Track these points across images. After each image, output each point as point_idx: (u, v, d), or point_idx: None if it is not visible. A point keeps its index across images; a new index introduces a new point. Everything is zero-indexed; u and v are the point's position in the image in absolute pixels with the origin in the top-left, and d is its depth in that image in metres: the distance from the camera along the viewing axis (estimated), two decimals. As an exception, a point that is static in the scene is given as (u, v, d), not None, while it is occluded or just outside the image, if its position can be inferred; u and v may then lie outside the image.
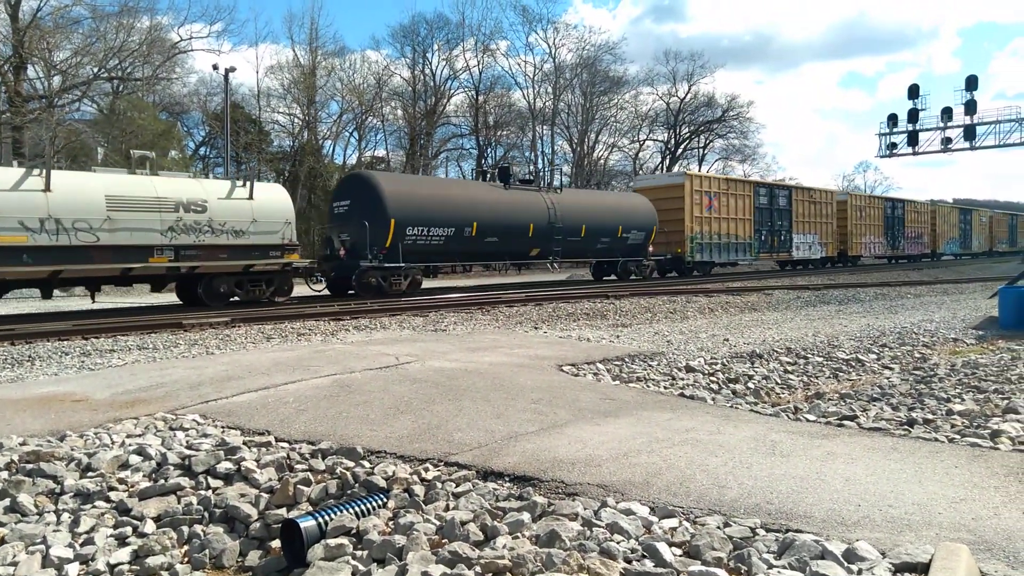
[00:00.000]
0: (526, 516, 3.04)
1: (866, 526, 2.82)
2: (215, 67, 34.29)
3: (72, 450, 4.09)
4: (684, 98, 58.03)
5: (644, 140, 58.78)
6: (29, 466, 3.82)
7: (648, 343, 8.74)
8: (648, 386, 6.37)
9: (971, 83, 37.89)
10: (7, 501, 3.49)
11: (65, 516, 3.41)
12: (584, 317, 12.46)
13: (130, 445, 4.18)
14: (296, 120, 43.71)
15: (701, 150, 60.77)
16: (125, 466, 3.90)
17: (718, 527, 2.86)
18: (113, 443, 4.25)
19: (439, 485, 3.48)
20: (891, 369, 7.41)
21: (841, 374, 7.23)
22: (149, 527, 3.32)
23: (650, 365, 7.28)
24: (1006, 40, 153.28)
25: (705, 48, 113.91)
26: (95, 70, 33.48)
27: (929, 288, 19.50)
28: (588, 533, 2.88)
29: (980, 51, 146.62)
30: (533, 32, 63.64)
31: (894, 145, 41.73)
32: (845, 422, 4.84)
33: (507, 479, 3.53)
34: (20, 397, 5.59)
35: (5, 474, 3.76)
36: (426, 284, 19.99)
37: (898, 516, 2.91)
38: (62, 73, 32.10)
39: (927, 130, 40.20)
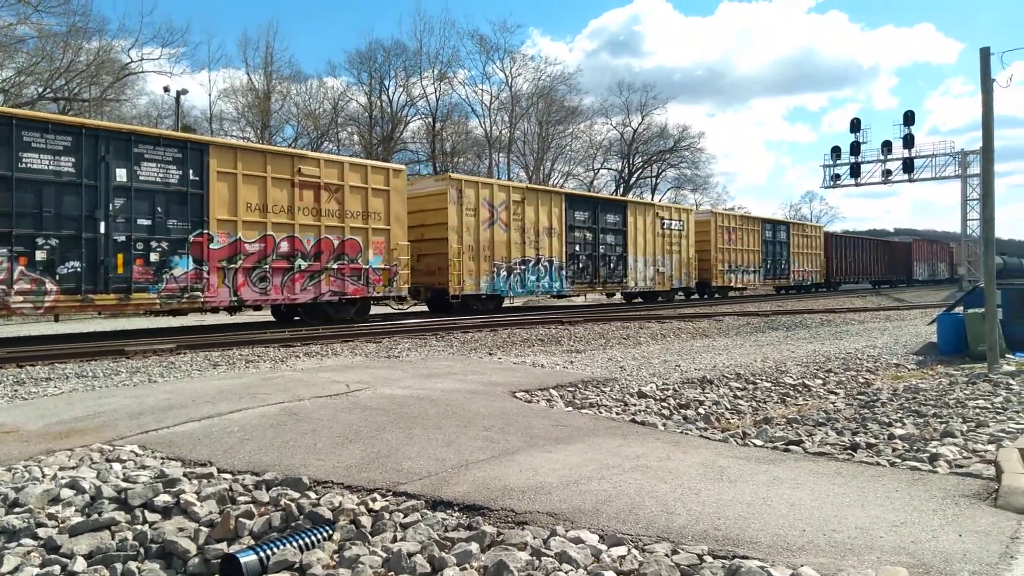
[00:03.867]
0: (475, 547, 2.99)
1: (810, 551, 2.85)
2: (166, 89, 33.80)
3: (-1, 484, 3.88)
4: (637, 128, 59.19)
5: (599, 169, 59.73)
6: (-49, 502, 3.61)
7: (601, 369, 8.78)
8: (601, 412, 6.39)
9: (908, 118, 39.64)
10: (-75, 540, 3.29)
11: (-12, 555, 3.22)
12: (539, 343, 12.47)
13: (62, 478, 3.99)
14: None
15: (654, 179, 61.97)
16: (56, 500, 3.72)
17: (666, 555, 2.86)
18: (44, 476, 4.06)
19: (387, 516, 3.41)
20: (836, 394, 7.59)
21: (788, 399, 7.37)
22: (80, 565, 3.16)
23: (603, 391, 7.30)
24: (939, 80, 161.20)
25: (658, 81, 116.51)
26: (40, 90, 32.58)
27: (872, 315, 20.11)
28: (537, 563, 2.85)
29: (916, 88, 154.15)
30: (490, 62, 64.35)
31: (837, 176, 43.29)
32: (791, 447, 4.92)
33: (456, 508, 3.47)
34: (-55, 428, 5.31)
35: (-76, 511, 3.55)
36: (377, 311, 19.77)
37: (841, 540, 2.95)
38: (4, 92, 31.13)
39: (868, 162, 41.88)
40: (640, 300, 26.99)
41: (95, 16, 56.72)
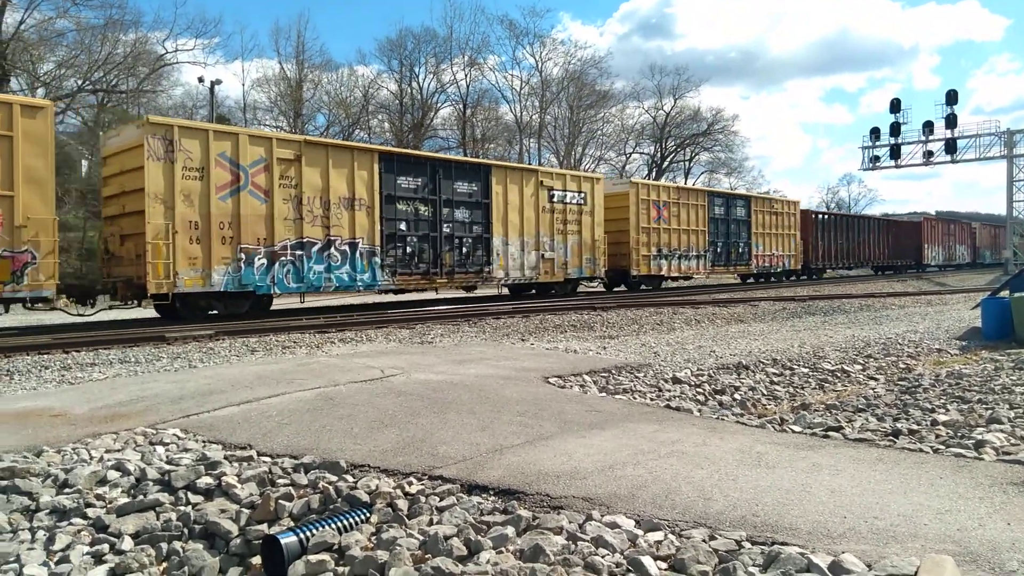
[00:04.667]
0: (510, 530, 3.00)
1: (852, 538, 2.80)
2: (201, 79, 34.28)
3: (49, 466, 4.01)
4: (670, 112, 58.51)
5: (631, 153, 59.17)
6: (4, 483, 3.73)
7: (635, 355, 8.73)
8: (634, 398, 6.36)
9: (951, 97, 38.47)
10: (-20, 519, 3.41)
11: (40, 534, 3.33)
12: (571, 329, 12.44)
13: (109, 460, 4.10)
14: (283, 133, 43.64)
15: (687, 163, 61.25)
16: (103, 482, 3.83)
17: (703, 540, 2.84)
18: (91, 458, 4.18)
19: (423, 499, 3.44)
20: (876, 380, 7.44)
21: (827, 385, 7.26)
22: (127, 544, 3.26)
23: (637, 377, 7.26)
24: (983, 58, 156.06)
25: (690, 64, 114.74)
26: (79, 82, 33.31)
27: (913, 299, 19.67)
28: (573, 547, 2.85)
29: (958, 68, 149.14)
30: (520, 47, 64.01)
31: (877, 158, 42.26)
32: (831, 433, 4.84)
33: (492, 493, 3.49)
34: (-3, 412, 5.49)
35: (-21, 491, 3.68)
36: (412, 296, 19.88)
37: (884, 528, 2.90)
38: (45, 85, 31.90)
39: (909, 143, 40.79)
40: (507, 293, 21.76)
41: (131, 8, 57.73)
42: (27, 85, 31.65)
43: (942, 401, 6.01)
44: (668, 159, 60.05)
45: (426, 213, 17.17)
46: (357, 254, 15.73)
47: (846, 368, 7.98)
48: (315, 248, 15.05)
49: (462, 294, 21.08)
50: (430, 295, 20.75)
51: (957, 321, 12.95)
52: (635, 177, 32.40)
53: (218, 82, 32.85)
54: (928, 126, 39.78)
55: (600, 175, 25.41)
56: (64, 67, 32.63)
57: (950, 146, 39.40)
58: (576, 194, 21.08)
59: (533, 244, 19.74)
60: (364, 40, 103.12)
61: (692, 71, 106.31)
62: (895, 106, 40.19)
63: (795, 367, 8.02)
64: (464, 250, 18.06)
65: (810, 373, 7.75)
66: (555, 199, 20.33)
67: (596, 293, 23.71)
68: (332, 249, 15.33)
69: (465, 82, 49.98)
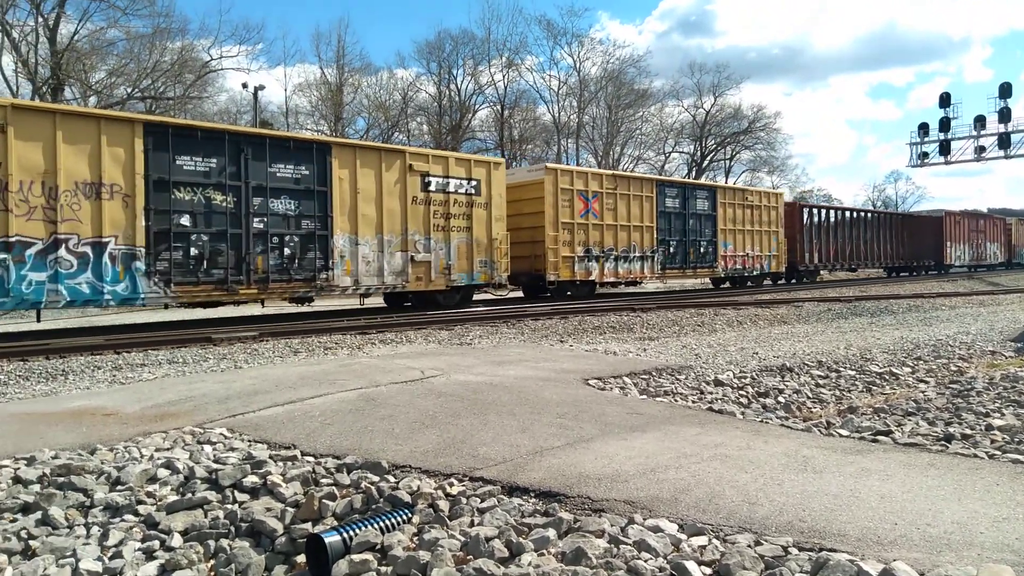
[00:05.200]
0: (552, 533, 3.00)
1: (903, 546, 2.73)
2: (244, 85, 35.04)
3: (102, 463, 4.13)
4: (710, 110, 57.77)
5: (670, 152, 58.58)
6: (60, 479, 3.86)
7: (675, 356, 8.64)
8: (676, 400, 6.29)
9: (1005, 91, 37.16)
10: (39, 514, 3.53)
11: (94, 529, 3.44)
12: (610, 330, 12.37)
13: (159, 459, 4.21)
14: (324, 136, 44.38)
15: (728, 161, 60.40)
16: (153, 480, 3.93)
17: (749, 545, 2.79)
18: (142, 457, 4.30)
19: (464, 500, 3.46)
20: (926, 383, 7.23)
21: (875, 388, 7.08)
22: (176, 541, 3.34)
23: (677, 379, 7.19)
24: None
25: (731, 61, 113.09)
26: (129, 90, 34.32)
27: (964, 300, 19.08)
28: (615, 550, 2.83)
29: (1012, 60, 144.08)
30: (558, 47, 63.90)
31: (925, 155, 41.00)
32: (879, 437, 4.72)
33: (532, 495, 3.48)
34: (53, 411, 5.68)
35: (37, 487, 3.81)
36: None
37: (937, 535, 2.81)
38: (97, 93, 32.93)
39: (959, 139, 39.47)
40: (352, 304, 17.89)
41: (178, 16, 59.14)
42: (80, 94, 32.74)
43: (997, 405, 5.81)
44: (708, 158, 59.30)
45: (224, 203, 13.09)
46: (106, 257, 11.77)
47: (894, 371, 7.78)
48: (31, 250, 11.09)
49: (291, 308, 16.54)
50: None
51: (1012, 322, 12.52)
52: (551, 163, 26.13)
53: (261, 87, 33.57)
54: (980, 120, 38.43)
55: (500, 159, 19.76)
56: (114, 75, 33.66)
57: (1003, 141, 38.02)
58: (464, 182, 16.95)
59: (399, 244, 15.70)
60: (403, 43, 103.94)
61: (733, 68, 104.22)
62: (945, 100, 38.98)
63: (841, 369, 7.85)
64: (288, 251, 13.97)
65: (857, 375, 7.57)
66: (432, 188, 16.26)
67: (503, 302, 19.64)
68: (62, 251, 11.34)
69: (503, 83, 50.12)
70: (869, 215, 36.97)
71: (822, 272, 32.69)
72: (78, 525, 3.48)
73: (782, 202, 28.11)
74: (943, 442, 4.65)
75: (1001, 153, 38.55)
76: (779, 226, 27.33)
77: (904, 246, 38.07)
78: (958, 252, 42.31)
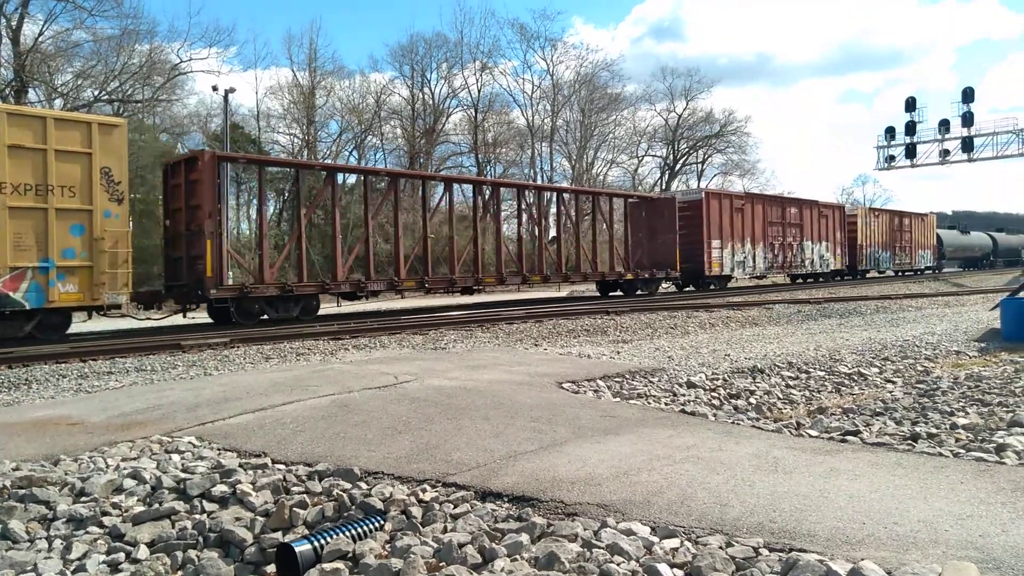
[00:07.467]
0: (525, 537, 2.99)
1: (871, 545, 2.76)
2: (215, 88, 34.45)
3: (66, 474, 4.03)
4: (682, 114, 58.35)
5: (643, 156, 59.02)
6: (21, 491, 3.76)
7: (649, 359, 8.68)
8: (649, 403, 6.32)
9: (968, 95, 38.04)
10: (-2, 528, 3.44)
11: (57, 542, 3.35)
12: (584, 333, 12.41)
13: (125, 469, 4.12)
14: (296, 140, 43.97)
15: (700, 165, 61.02)
16: (119, 490, 3.85)
17: (720, 547, 2.81)
18: (108, 467, 4.20)
19: (437, 506, 3.43)
20: (894, 383, 7.36)
21: (843, 388, 7.18)
22: (143, 552, 3.26)
23: (651, 381, 7.22)
24: (1001, 55, 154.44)
25: (703, 66, 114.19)
26: (96, 93, 33.68)
27: (930, 300, 19.46)
28: (588, 555, 2.83)
29: (976, 66, 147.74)
30: (532, 51, 64.14)
31: (892, 158, 41.84)
32: (848, 437, 4.79)
33: (506, 499, 3.47)
34: (15, 421, 5.54)
35: (-3, 500, 3.71)
36: (432, 302, 19.91)
37: (904, 534, 2.85)
38: (63, 96, 32.27)
39: (925, 142, 40.31)
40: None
41: (146, 18, 58.33)
42: (45, 96, 32.06)
43: (961, 404, 5.93)
44: (680, 161, 59.86)
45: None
46: None
47: (863, 371, 7.90)
48: None
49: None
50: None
51: (975, 323, 12.79)
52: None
53: (232, 91, 32.98)
54: (944, 124, 39.28)
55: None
56: (81, 78, 33.02)
57: (967, 144, 38.91)
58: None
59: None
60: (376, 46, 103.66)
61: (704, 73, 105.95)
62: (910, 104, 39.79)
63: (811, 370, 7.95)
64: None
65: (826, 376, 7.67)
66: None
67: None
68: None
69: (477, 87, 50.11)
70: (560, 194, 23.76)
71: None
72: (40, 538, 3.39)
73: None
74: (910, 441, 4.73)
75: (964, 156, 39.45)
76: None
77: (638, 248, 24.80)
78: (739, 257, 26.91)
